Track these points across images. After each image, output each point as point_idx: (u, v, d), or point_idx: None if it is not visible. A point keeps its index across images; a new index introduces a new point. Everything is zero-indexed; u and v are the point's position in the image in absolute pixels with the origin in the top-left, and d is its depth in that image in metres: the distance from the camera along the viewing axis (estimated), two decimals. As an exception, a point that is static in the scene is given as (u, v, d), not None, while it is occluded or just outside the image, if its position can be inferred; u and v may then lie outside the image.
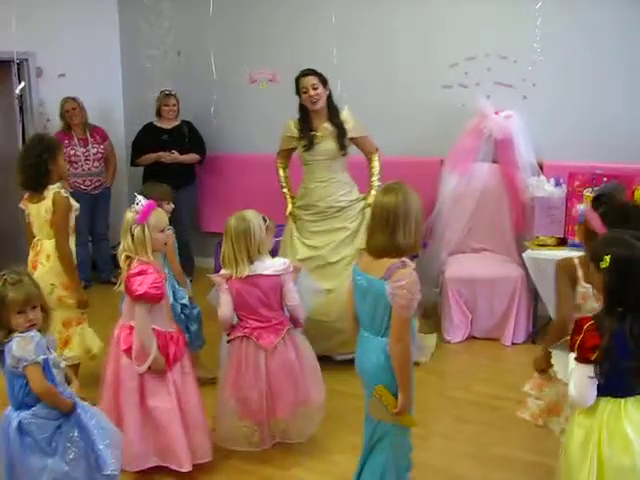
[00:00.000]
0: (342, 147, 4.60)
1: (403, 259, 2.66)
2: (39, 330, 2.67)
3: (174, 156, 6.34)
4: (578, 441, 2.42)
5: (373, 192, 4.62)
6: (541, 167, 5.28)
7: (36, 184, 3.99)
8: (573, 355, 2.39)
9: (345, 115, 4.65)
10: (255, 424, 3.49)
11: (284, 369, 3.44)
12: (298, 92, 4.62)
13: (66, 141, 6.20)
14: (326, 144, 4.60)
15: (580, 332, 2.37)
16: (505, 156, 5.37)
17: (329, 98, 4.64)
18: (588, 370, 2.33)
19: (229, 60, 6.58)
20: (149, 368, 3.20)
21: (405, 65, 5.82)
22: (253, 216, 3.42)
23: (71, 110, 6.28)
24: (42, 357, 2.60)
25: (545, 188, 5.03)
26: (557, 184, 5.01)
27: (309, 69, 4.65)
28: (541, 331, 5.08)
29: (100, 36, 7.02)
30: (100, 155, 6.46)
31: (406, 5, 5.77)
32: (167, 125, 6.47)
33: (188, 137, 6.47)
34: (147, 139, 6.45)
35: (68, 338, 4.05)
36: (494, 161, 5.47)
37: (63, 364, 2.79)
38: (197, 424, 3.34)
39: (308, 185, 4.71)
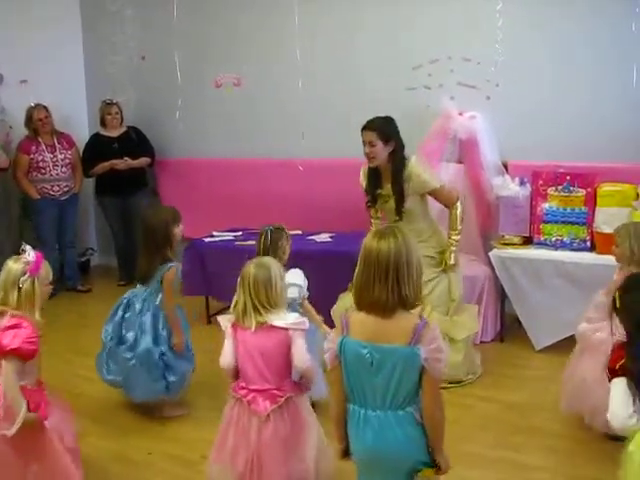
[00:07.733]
0: (398, 212, 4.18)
1: (421, 316, 2.39)
2: None
3: (127, 162, 6.45)
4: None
5: (453, 249, 4.31)
6: (506, 167, 5.32)
7: None
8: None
9: (411, 168, 4.13)
10: None
11: (276, 442, 2.94)
12: None
13: (33, 147, 6.24)
14: (391, 204, 4.20)
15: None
16: (470, 156, 5.42)
17: (394, 154, 4.13)
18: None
19: (194, 65, 6.57)
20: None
21: (369, 67, 5.85)
22: (274, 263, 3.05)
23: (44, 119, 6.25)
24: None
25: (510, 187, 5.08)
26: (521, 183, 5.07)
27: (372, 120, 4.14)
28: (509, 329, 5.14)
29: (62, 42, 6.94)
30: (68, 161, 6.43)
31: (369, 9, 5.79)
32: (114, 133, 6.57)
33: (137, 142, 6.59)
34: (97, 149, 6.54)
35: None
36: (459, 161, 5.51)
37: None
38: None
39: None
